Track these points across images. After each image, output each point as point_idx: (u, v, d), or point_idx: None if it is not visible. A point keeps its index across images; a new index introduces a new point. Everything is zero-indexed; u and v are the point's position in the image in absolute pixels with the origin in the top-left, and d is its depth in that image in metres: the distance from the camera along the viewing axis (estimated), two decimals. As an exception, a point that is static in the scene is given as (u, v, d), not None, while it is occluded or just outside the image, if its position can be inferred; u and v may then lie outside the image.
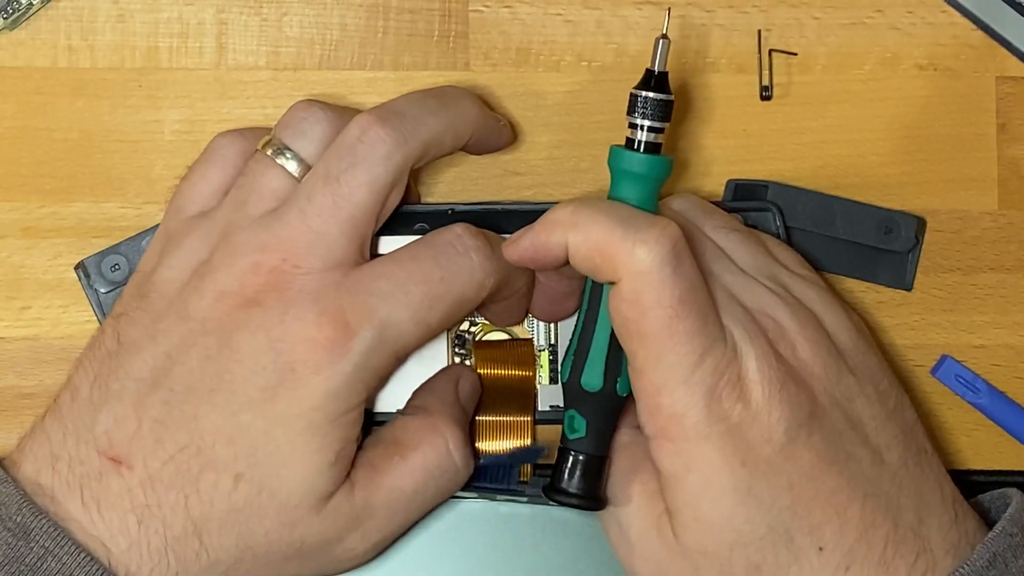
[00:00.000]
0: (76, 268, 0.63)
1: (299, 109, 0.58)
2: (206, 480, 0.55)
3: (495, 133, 0.62)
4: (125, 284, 0.60)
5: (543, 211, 0.62)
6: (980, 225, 0.65)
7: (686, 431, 0.55)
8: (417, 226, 0.62)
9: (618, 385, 0.57)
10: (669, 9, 0.58)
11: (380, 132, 0.57)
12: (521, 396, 0.63)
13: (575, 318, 0.58)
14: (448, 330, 0.61)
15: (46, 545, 0.54)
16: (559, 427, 0.62)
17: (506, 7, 0.65)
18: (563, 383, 0.58)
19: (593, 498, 0.57)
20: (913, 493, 0.57)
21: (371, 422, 0.61)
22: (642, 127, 0.57)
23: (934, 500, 0.58)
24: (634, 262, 0.54)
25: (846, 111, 0.65)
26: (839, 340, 0.58)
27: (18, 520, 0.54)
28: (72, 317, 0.64)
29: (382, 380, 0.57)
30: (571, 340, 0.58)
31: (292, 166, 0.57)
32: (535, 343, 0.63)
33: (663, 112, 0.57)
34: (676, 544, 0.56)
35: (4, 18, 0.63)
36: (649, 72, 0.57)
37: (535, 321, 0.63)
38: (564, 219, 0.56)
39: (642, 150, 0.57)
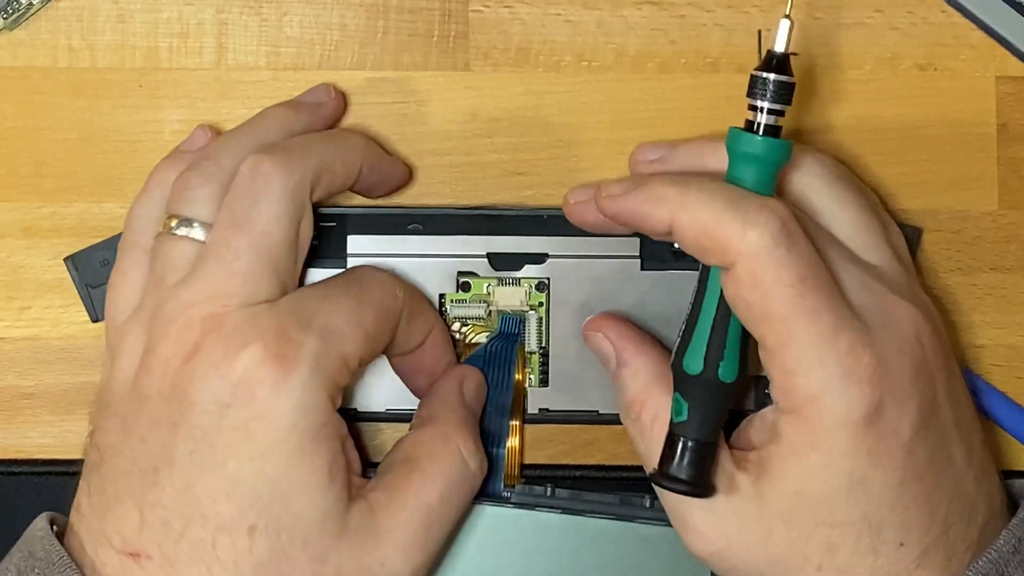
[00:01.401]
0: (66, 260, 0.63)
1: (179, 182, 0.58)
2: (222, 544, 0.54)
3: (388, 166, 0.62)
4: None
5: (534, 216, 0.62)
6: (980, 225, 0.65)
7: (822, 414, 0.55)
8: (411, 226, 0.62)
9: (720, 370, 0.56)
10: None
11: (269, 165, 0.57)
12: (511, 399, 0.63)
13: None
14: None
15: None
16: (552, 431, 0.63)
17: (506, 7, 0.65)
18: (671, 365, 0.57)
19: (699, 484, 0.56)
20: (987, 494, 0.58)
21: (361, 419, 0.62)
22: (762, 109, 0.56)
23: (997, 499, 0.58)
24: (746, 244, 0.54)
25: (846, 111, 0.65)
26: (943, 339, 0.58)
27: None
28: (72, 317, 0.64)
29: (339, 391, 0.56)
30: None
31: (195, 232, 0.57)
32: (526, 345, 0.63)
33: (785, 95, 0.56)
34: (756, 506, 0.56)
35: (4, 18, 0.63)
36: (771, 54, 0.57)
37: (527, 323, 0.63)
38: (671, 197, 0.56)
39: (761, 133, 0.56)
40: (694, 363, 0.56)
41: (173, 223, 0.57)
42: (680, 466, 0.57)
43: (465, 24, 0.65)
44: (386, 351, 0.60)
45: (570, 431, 0.64)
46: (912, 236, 0.64)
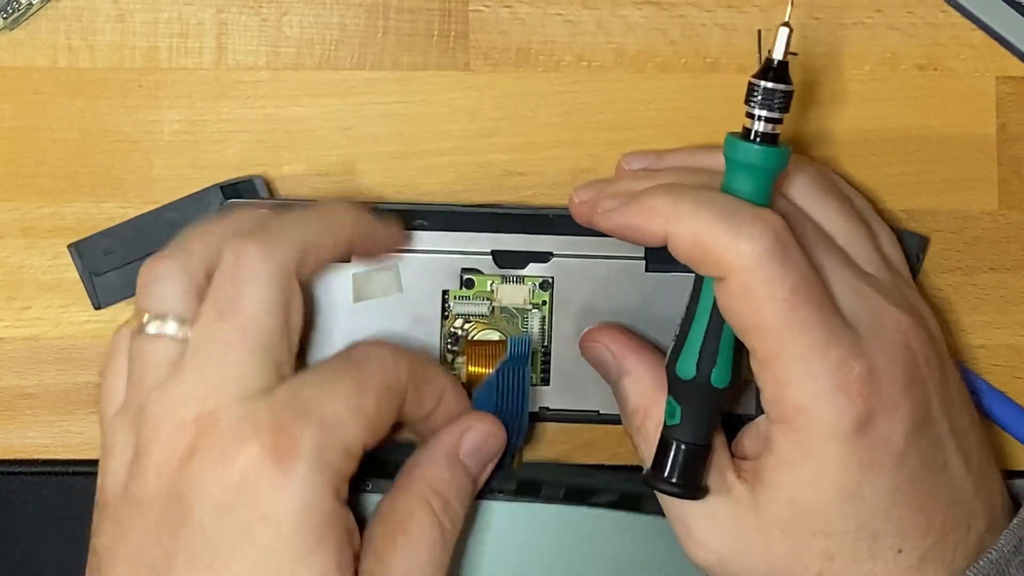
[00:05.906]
0: (70, 247, 0.63)
1: (145, 274, 0.56)
2: None
3: (381, 234, 0.60)
4: (118, 268, 0.60)
5: (539, 215, 0.62)
6: (980, 225, 0.65)
7: (812, 425, 0.55)
8: (416, 223, 0.62)
9: (712, 376, 0.56)
10: None
11: (253, 249, 0.55)
12: None
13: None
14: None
15: None
16: (552, 431, 0.62)
17: (506, 7, 0.65)
18: (666, 368, 0.58)
19: (690, 486, 0.57)
20: (986, 499, 0.58)
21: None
22: (759, 117, 0.56)
23: (998, 504, 0.58)
24: (740, 257, 0.54)
25: (846, 111, 0.65)
26: (938, 344, 0.58)
27: None
28: (72, 317, 0.64)
29: (345, 481, 0.55)
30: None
31: (168, 328, 0.55)
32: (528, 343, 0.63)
33: (782, 103, 0.56)
34: (754, 516, 0.56)
35: (4, 18, 0.63)
36: (769, 60, 0.56)
37: (529, 321, 0.63)
38: (665, 209, 0.56)
39: (758, 141, 0.56)
40: (687, 368, 0.56)
41: (144, 319, 0.55)
42: (672, 468, 0.57)
43: (465, 24, 0.65)
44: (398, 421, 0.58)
45: (571, 431, 0.64)
46: (919, 245, 0.64)
